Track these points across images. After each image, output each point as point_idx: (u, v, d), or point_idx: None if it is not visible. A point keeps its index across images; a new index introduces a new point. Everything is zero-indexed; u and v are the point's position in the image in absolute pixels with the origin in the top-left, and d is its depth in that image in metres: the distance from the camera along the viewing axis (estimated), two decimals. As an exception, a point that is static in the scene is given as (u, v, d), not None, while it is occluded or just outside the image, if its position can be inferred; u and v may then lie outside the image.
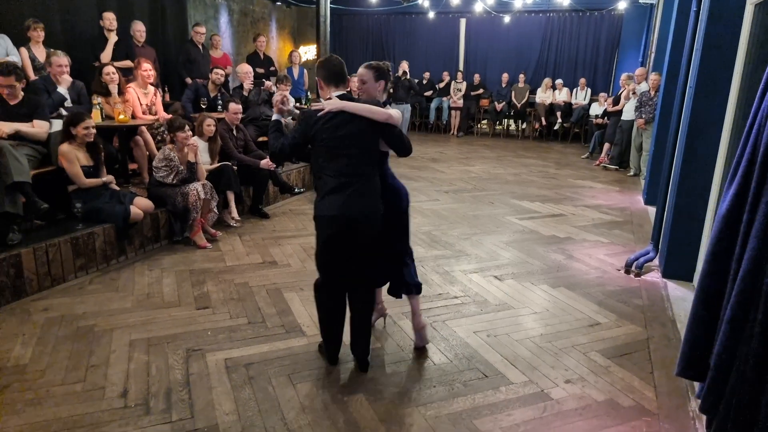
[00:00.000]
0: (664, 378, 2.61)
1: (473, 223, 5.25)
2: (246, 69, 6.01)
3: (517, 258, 4.27)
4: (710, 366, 1.57)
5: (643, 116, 7.38)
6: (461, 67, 12.91)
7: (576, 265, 4.13)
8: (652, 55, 8.30)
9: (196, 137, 4.71)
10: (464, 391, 2.49)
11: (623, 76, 8.62)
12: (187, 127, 4.35)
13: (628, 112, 7.96)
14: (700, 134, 3.53)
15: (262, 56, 7.50)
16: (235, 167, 5.03)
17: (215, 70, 5.84)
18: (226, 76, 6.45)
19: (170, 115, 5.30)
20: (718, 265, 1.58)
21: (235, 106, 5.18)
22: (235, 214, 4.83)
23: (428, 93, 12.39)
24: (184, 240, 4.40)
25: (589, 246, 4.60)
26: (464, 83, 12.16)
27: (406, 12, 13.03)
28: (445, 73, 12.26)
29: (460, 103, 12.03)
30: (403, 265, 2.88)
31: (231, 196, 4.82)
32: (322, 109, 2.46)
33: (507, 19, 11.97)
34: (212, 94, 5.82)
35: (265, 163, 5.07)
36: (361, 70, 2.65)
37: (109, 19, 5.67)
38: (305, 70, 8.23)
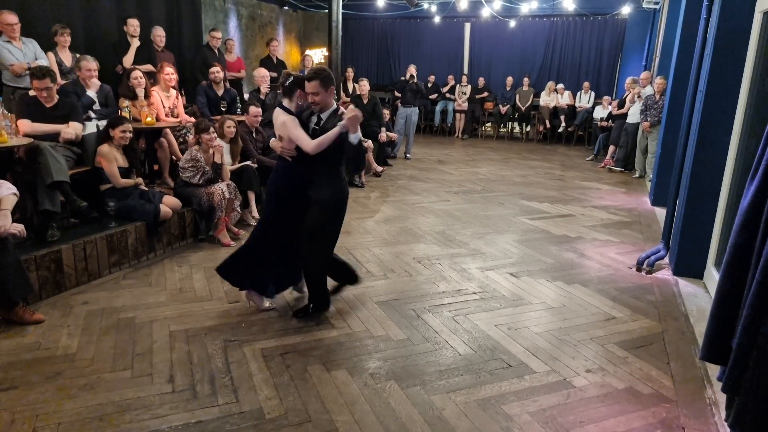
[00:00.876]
0: (680, 368, 2.75)
1: (485, 222, 5.39)
2: (263, 73, 6.16)
3: (530, 256, 4.42)
4: (732, 348, 1.71)
5: (649, 119, 7.54)
6: (466, 70, 13.08)
7: (588, 263, 4.27)
8: (657, 60, 8.47)
9: (219, 139, 4.86)
10: (490, 379, 2.63)
11: (628, 79, 8.79)
12: (212, 129, 4.50)
13: (633, 115, 8.12)
14: (711, 137, 3.68)
15: (275, 60, 7.66)
16: (255, 167, 5.18)
17: (211, 69, 5.93)
18: (239, 79, 6.60)
19: (192, 118, 5.46)
20: (740, 257, 1.72)
21: (255, 110, 5.33)
22: (255, 213, 4.97)
23: (433, 96, 12.55)
24: (208, 238, 4.54)
25: (600, 245, 4.74)
26: (469, 86, 12.32)
27: (412, 17, 13.20)
28: (450, 77, 12.42)
29: (465, 106, 12.19)
30: None
31: (252, 196, 4.96)
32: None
33: (512, 23, 12.15)
34: (219, 93, 5.93)
35: (284, 164, 5.21)
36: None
37: (134, 25, 5.82)
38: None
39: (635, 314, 3.36)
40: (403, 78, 8.91)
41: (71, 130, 3.89)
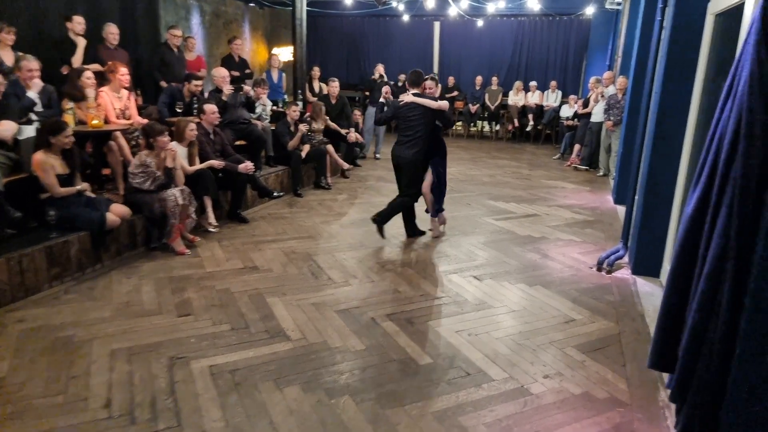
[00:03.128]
0: (635, 370, 2.74)
1: (451, 224, 5.35)
2: (223, 73, 5.96)
3: (494, 258, 4.38)
4: (678, 357, 1.68)
5: (611, 118, 7.64)
6: (436, 69, 13.07)
7: (551, 264, 4.26)
8: (619, 60, 8.60)
9: (174, 142, 4.67)
10: (448, 390, 2.56)
11: (592, 79, 8.90)
12: (166, 132, 4.32)
13: (597, 115, 8.22)
14: (665, 137, 3.71)
15: (237, 59, 7.46)
16: (221, 174, 5.01)
17: (194, 81, 5.75)
18: (200, 78, 6.38)
19: (145, 120, 5.24)
20: (685, 264, 1.69)
21: (210, 107, 5.14)
22: (212, 219, 4.80)
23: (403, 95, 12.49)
24: (161, 246, 4.35)
25: (563, 245, 4.75)
26: (439, 85, 12.31)
27: (381, 15, 13.11)
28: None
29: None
30: (442, 186, 4.90)
31: (208, 202, 4.79)
32: (402, 101, 4.59)
33: (480, 23, 12.18)
34: (187, 99, 5.76)
35: (244, 167, 5.05)
36: (428, 82, 4.64)
37: (79, 22, 5.55)
38: (284, 74, 8.20)
39: (594, 316, 3.35)
40: (372, 77, 8.79)
41: (1, 129, 3.65)
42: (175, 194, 4.23)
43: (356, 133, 7.96)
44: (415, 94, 4.53)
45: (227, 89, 5.97)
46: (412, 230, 4.90)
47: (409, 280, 3.89)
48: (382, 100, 5.01)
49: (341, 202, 6.17)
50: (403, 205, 4.75)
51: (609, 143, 7.86)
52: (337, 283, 3.82)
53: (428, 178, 4.78)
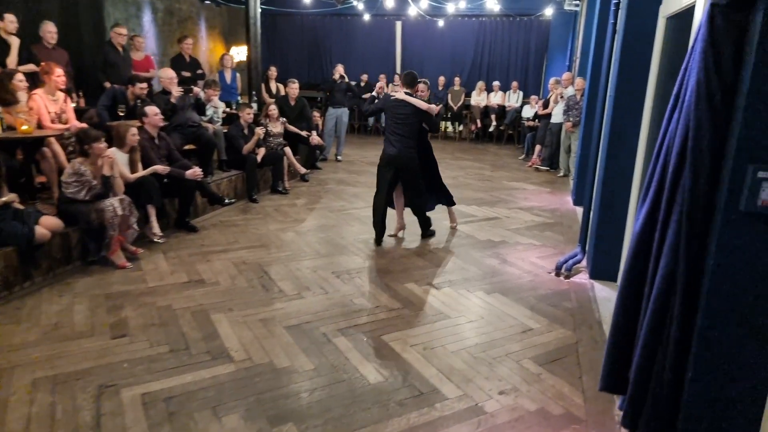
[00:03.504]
0: (591, 382, 2.67)
1: (411, 228, 5.23)
2: (170, 74, 5.66)
3: (453, 265, 4.29)
4: (630, 380, 1.59)
5: (571, 119, 7.70)
6: (398, 69, 12.98)
7: (510, 270, 4.19)
8: (577, 61, 8.69)
9: (114, 149, 4.38)
10: (399, 411, 2.43)
11: (551, 80, 8.98)
12: (102, 138, 4.03)
13: (557, 115, 8.28)
14: (620, 140, 3.69)
15: (188, 59, 7.13)
16: (166, 181, 4.73)
17: (139, 85, 5.42)
18: (148, 79, 6.08)
19: (83, 124, 4.91)
20: (635, 283, 1.60)
21: (153, 109, 4.85)
22: (157, 229, 4.53)
23: (366, 95, 12.34)
24: (100, 260, 4.06)
25: (522, 249, 4.70)
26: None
27: (342, 14, 12.92)
28: (382, 76, 12.26)
29: (398, 105, 12.07)
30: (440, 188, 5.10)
31: (152, 211, 4.51)
32: (394, 96, 4.62)
33: (441, 23, 12.16)
34: (131, 103, 5.43)
35: (192, 173, 4.79)
36: (421, 85, 4.85)
37: (11, 21, 5.16)
38: (237, 74, 7.92)
39: (552, 324, 3.29)
40: (333, 78, 8.59)
41: None
42: (114, 204, 3.95)
43: (317, 136, 7.76)
44: (407, 93, 4.61)
45: (176, 91, 5.67)
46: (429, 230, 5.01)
47: (365, 290, 3.75)
48: (373, 94, 5.31)
49: (299, 207, 5.97)
50: (424, 206, 4.89)
51: (569, 144, 7.92)
52: (289, 295, 3.64)
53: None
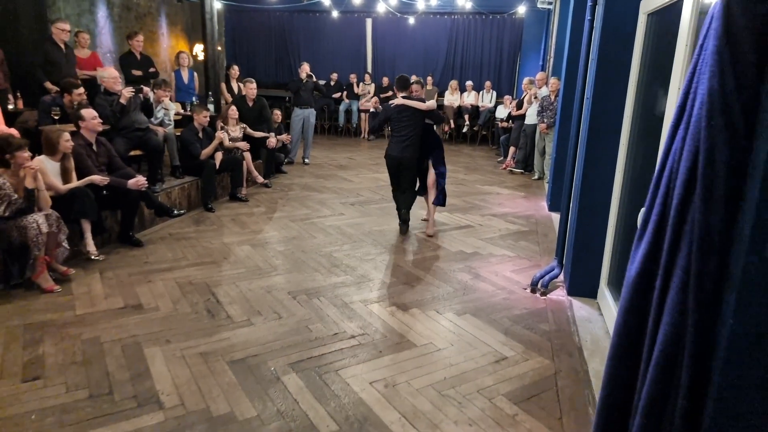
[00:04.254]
0: (572, 424, 2.37)
1: (378, 240, 4.89)
2: (113, 74, 5.15)
3: (423, 281, 3.95)
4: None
5: (545, 121, 7.47)
6: (369, 68, 12.62)
7: (482, 286, 3.88)
8: (551, 60, 8.48)
9: (43, 157, 3.92)
10: (353, 469, 2.08)
11: (525, 80, 8.75)
12: (25, 147, 3.56)
13: (531, 116, 8.05)
14: (599, 145, 3.41)
15: (138, 56, 6.62)
16: (105, 192, 4.27)
17: (75, 92, 4.88)
18: (94, 78, 5.56)
19: (12, 130, 4.41)
20: (628, 345, 1.29)
21: (90, 112, 4.37)
22: (92, 247, 4.06)
23: (337, 95, 11.96)
24: (25, 283, 3.59)
25: (496, 262, 4.40)
26: (372, 85, 11.88)
27: (310, 10, 12.49)
28: (353, 75, 11.90)
29: (369, 105, 11.72)
30: (443, 179, 5.12)
31: (87, 226, 4.04)
32: (394, 104, 4.93)
33: (412, 20, 11.85)
34: (69, 111, 4.90)
35: (134, 182, 4.33)
36: (415, 86, 5.09)
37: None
38: (195, 73, 7.42)
39: (528, 351, 2.98)
40: (298, 77, 8.17)
41: None
42: (38, 220, 3.48)
43: (279, 137, 7.34)
44: (404, 97, 4.92)
45: (127, 91, 5.16)
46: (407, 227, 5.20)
47: (323, 314, 3.38)
48: (372, 109, 5.56)
49: (258, 216, 5.55)
50: (413, 198, 5.14)
51: (543, 146, 7.70)
52: (237, 322, 3.24)
53: (431, 174, 5.07)
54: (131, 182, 4.33)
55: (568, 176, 3.91)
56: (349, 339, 3.08)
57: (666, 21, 2.98)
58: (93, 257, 4.07)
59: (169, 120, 5.84)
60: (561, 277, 3.90)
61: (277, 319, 3.29)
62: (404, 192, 5.03)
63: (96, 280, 3.80)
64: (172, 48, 12.39)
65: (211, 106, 6.52)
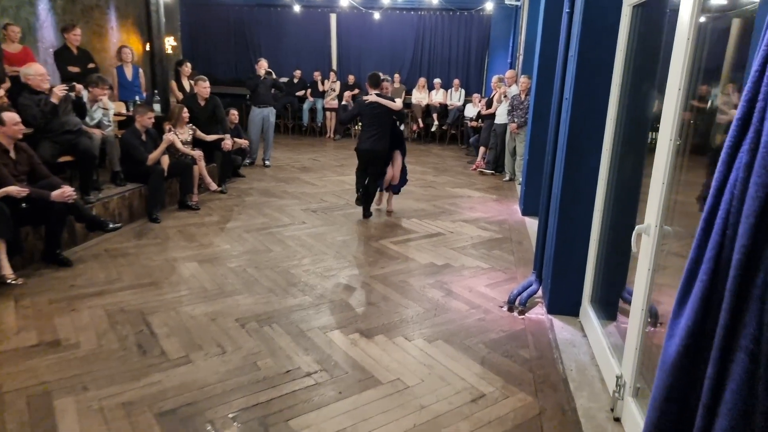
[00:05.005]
0: (564, 481, 2.02)
1: (342, 251, 4.47)
2: (39, 71, 4.53)
3: (389, 301, 3.57)
4: None
5: (515, 120, 7.20)
6: (335, 66, 12.16)
7: (455, 305, 3.53)
8: (521, 57, 8.23)
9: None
10: None
11: (494, 78, 8.47)
12: None
13: (501, 116, 7.78)
14: (580, 149, 3.10)
15: (75, 51, 5.99)
16: (25, 205, 3.70)
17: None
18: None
19: None
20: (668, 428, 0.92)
21: (11, 116, 3.80)
22: (7, 269, 3.50)
23: (300, 93, 11.44)
24: None
25: (469, 275, 4.05)
26: (338, 83, 11.43)
27: (271, 5, 11.93)
28: (317, 73, 11.40)
29: (335, 103, 11.27)
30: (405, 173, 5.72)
31: (1, 246, 3.48)
32: (367, 100, 5.24)
33: (377, 15, 11.45)
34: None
35: (59, 194, 3.78)
36: (386, 83, 5.37)
37: None
38: (141, 70, 6.81)
39: (507, 386, 2.63)
40: (256, 74, 7.65)
41: None
42: (-71, 244, 2.92)
43: (235, 139, 6.83)
44: (377, 95, 5.21)
45: (59, 89, 4.54)
46: (369, 211, 5.53)
47: (275, 346, 2.95)
48: (344, 102, 5.64)
49: (209, 227, 5.05)
50: (375, 187, 5.55)
51: (514, 146, 7.43)
52: (172, 360, 2.77)
53: (398, 161, 5.46)
54: (55, 194, 3.78)
55: (546, 183, 3.59)
56: (303, 378, 2.66)
57: (653, 13, 2.68)
58: (9, 281, 3.51)
59: (109, 121, 5.25)
60: (540, 292, 3.58)
61: (220, 355, 2.84)
62: (372, 175, 5.40)
63: (9, 309, 3.25)
64: (123, 43, 11.61)
65: (157, 106, 5.95)
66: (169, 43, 11.85)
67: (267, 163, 8.09)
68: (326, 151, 9.81)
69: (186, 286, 3.69)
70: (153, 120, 5.32)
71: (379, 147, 5.27)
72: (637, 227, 2.11)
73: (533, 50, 7.12)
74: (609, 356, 2.62)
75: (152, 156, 5.27)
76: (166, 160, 5.42)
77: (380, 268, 4.13)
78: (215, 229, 5.00)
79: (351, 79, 11.43)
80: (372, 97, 5.20)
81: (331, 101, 11.26)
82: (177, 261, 4.14)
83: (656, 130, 2.16)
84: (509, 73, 8.10)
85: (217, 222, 5.22)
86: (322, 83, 11.38)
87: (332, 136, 11.46)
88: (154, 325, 3.12)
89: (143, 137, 5.29)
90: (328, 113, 11.39)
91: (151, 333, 3.04)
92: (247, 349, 2.91)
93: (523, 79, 7.17)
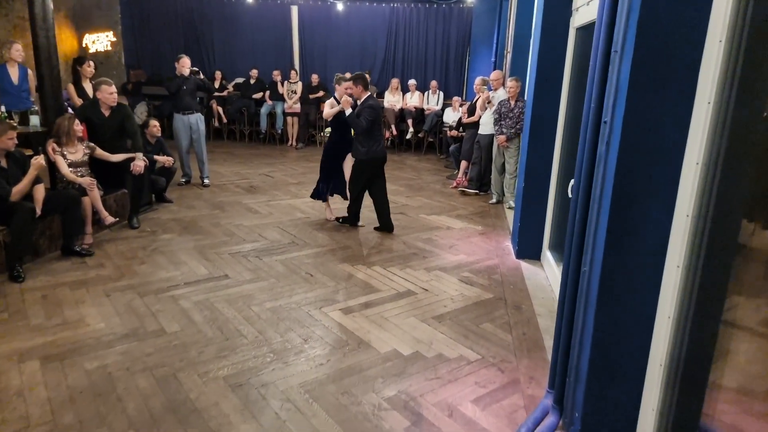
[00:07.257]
0: None
1: (269, 334, 3.12)
2: None
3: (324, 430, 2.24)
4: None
5: (504, 131, 5.95)
6: (297, 64, 10.77)
7: (427, 447, 2.21)
8: (509, 56, 6.97)
9: None
10: None
11: (477, 80, 7.17)
12: None
13: (486, 125, 6.52)
14: (635, 201, 1.82)
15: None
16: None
17: None
18: None
19: None
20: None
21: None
22: None
23: (258, 95, 10.02)
24: None
25: (448, 377, 2.74)
26: (299, 84, 10.04)
27: (223, -5, 10.48)
28: (276, 72, 9.99)
29: (298, 108, 9.88)
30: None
31: None
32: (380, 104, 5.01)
33: (340, 6, 10.10)
34: None
35: None
36: (346, 83, 4.93)
37: None
38: (29, 71, 5.34)
39: None
40: (178, 74, 6.24)
41: None
42: None
43: (156, 156, 5.42)
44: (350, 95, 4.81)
45: None
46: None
47: None
48: (348, 111, 4.78)
49: (90, 288, 3.64)
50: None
51: (502, 162, 6.18)
52: None
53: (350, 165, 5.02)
54: None
55: (571, 246, 2.29)
56: None
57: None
58: None
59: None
60: (560, 423, 2.28)
61: None
62: (379, 185, 4.95)
63: None
64: (56, 38, 10.02)
65: (35, 118, 4.51)
66: (108, 38, 10.36)
67: (205, 182, 6.68)
68: (284, 164, 8.44)
69: (2, 410, 2.30)
70: (14, 141, 3.88)
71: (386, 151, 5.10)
72: None
73: (526, 47, 5.88)
74: None
75: (16, 189, 3.84)
76: (40, 193, 3.99)
77: (317, 368, 2.79)
78: (98, 291, 3.60)
79: (315, 79, 10.06)
80: (375, 98, 4.95)
81: (293, 105, 9.87)
82: (12, 358, 2.74)
83: None
84: (495, 75, 6.81)
85: (106, 278, 3.81)
86: (282, 84, 9.98)
87: (294, 144, 10.08)
88: None
89: (2, 163, 3.85)
90: (289, 118, 9.99)
91: None
92: None
93: (511, 82, 5.91)
